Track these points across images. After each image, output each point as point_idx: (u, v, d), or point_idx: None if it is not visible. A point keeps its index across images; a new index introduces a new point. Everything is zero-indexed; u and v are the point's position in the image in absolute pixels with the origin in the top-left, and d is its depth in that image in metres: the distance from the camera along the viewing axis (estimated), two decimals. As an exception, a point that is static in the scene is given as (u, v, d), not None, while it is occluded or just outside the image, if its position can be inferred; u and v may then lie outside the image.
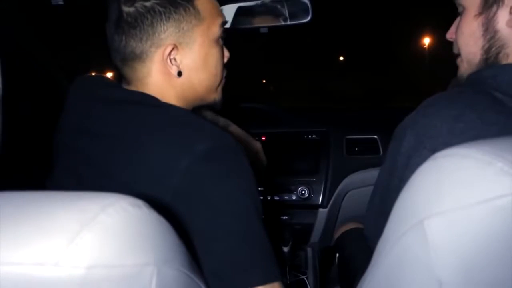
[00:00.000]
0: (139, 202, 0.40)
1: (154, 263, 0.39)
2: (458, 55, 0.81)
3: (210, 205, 0.60)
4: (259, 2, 1.24)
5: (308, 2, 1.19)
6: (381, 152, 1.48)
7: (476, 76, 0.72)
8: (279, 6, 1.26)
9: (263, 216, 0.65)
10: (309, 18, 1.19)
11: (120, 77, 0.77)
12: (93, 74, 0.79)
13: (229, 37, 0.84)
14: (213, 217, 0.60)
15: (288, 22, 1.23)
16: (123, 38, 0.70)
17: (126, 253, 0.36)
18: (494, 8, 0.70)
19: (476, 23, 0.73)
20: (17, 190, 0.40)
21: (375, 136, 1.50)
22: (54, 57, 1.47)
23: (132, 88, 0.74)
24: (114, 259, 0.35)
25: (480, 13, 0.72)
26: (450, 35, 0.83)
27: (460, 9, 0.78)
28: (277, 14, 1.29)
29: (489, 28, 0.71)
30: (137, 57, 0.71)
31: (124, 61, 0.73)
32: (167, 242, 0.43)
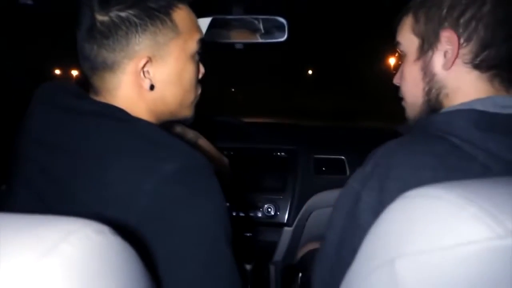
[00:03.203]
0: (104, 228, 0.38)
1: None
2: (403, 98, 0.83)
3: (178, 231, 0.58)
4: (235, 17, 1.24)
5: (285, 21, 1.20)
6: (348, 173, 1.50)
7: (428, 121, 0.71)
8: (256, 22, 1.27)
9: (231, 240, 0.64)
10: (285, 37, 1.20)
11: (86, 79, 0.74)
12: (60, 80, 0.75)
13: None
14: (180, 244, 0.58)
15: (264, 40, 1.23)
16: (94, 47, 0.67)
17: (88, 285, 0.34)
18: (430, 53, 0.73)
19: (416, 67, 0.76)
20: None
21: (343, 157, 1.52)
22: (17, 55, 1.39)
23: (101, 99, 0.71)
24: None
25: (418, 58, 0.75)
26: (396, 80, 0.85)
27: (402, 55, 0.81)
28: (253, 30, 1.29)
29: (427, 72, 0.74)
30: (108, 68, 0.68)
31: (93, 70, 0.70)
32: (131, 270, 0.41)
